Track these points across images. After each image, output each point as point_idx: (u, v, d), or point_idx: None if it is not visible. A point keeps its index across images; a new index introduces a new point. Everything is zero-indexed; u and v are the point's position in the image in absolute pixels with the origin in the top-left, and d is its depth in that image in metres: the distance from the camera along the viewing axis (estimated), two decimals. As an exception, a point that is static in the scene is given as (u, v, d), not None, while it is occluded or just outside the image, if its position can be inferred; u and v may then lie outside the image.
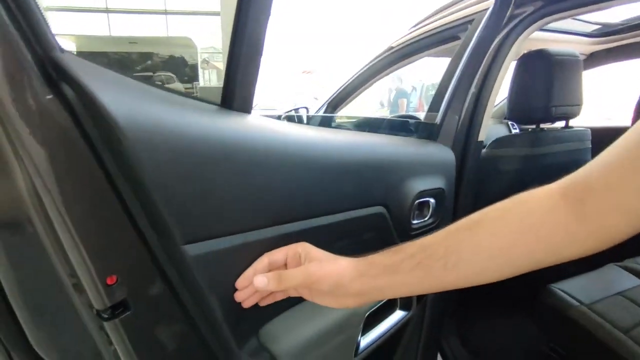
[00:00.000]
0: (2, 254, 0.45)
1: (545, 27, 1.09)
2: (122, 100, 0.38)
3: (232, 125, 0.48)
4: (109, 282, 0.41)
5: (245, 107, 0.51)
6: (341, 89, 1.73)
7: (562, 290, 1.06)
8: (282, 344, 0.56)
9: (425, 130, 1.02)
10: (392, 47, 1.50)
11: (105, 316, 0.42)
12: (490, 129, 1.31)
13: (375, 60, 1.56)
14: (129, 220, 0.41)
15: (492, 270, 0.43)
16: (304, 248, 0.51)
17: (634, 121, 1.30)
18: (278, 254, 0.51)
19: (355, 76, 1.65)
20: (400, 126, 1.08)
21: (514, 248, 0.41)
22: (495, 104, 2.60)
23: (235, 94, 0.50)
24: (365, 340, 0.72)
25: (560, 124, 1.29)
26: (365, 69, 1.61)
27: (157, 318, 0.45)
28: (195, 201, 0.43)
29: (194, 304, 0.47)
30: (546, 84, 1.12)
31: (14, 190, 0.38)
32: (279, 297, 0.53)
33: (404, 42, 1.40)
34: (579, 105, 1.20)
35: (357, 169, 0.67)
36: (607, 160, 0.37)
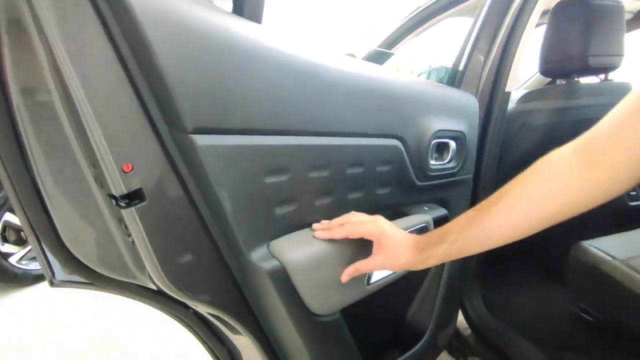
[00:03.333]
0: (38, 148, 0.49)
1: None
2: None
3: (243, 26, 0.49)
4: (125, 169, 0.43)
5: (255, 16, 0.52)
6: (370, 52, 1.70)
7: (595, 247, 1.01)
8: (292, 256, 0.57)
9: (449, 78, 0.99)
10: (419, 7, 1.47)
11: (123, 204, 0.45)
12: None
13: (404, 21, 1.53)
14: (142, 108, 0.44)
15: (514, 235, 0.51)
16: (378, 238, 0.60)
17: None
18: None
19: (384, 40, 1.62)
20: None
21: (535, 211, 0.48)
22: (529, 77, 2.46)
23: (245, 2, 0.52)
24: (378, 274, 0.72)
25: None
26: (393, 31, 1.58)
27: (170, 210, 0.48)
28: (204, 89, 0.45)
29: (204, 198, 0.49)
30: (583, 31, 1.05)
31: (38, 70, 0.41)
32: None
33: (432, -1, 1.36)
34: (620, 55, 1.11)
35: (372, 94, 0.66)
36: (611, 115, 0.44)
